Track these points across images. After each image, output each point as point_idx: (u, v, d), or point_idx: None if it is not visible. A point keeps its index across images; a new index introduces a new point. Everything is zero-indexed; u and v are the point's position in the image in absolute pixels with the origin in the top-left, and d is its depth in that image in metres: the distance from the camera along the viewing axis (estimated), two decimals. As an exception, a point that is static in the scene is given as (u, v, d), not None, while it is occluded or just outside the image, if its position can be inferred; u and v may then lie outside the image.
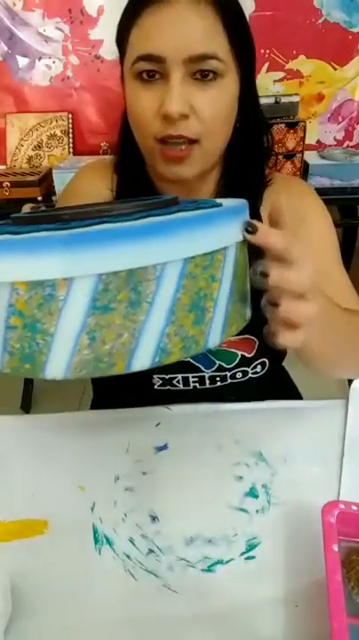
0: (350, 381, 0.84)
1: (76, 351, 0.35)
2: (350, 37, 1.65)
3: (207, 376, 0.73)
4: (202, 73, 0.56)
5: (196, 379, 0.74)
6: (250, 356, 0.73)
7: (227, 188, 0.70)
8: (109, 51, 1.65)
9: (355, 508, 0.52)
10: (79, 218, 0.38)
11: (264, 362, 0.76)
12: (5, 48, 1.67)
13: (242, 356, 0.73)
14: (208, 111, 0.57)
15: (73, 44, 1.65)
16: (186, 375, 0.73)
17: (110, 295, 0.34)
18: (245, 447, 0.70)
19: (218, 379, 0.74)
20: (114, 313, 0.35)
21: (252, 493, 0.64)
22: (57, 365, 0.36)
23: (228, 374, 0.74)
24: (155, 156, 0.61)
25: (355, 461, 0.69)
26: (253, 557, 0.56)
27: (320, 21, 1.62)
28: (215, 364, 0.73)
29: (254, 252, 0.44)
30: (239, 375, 0.75)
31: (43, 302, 0.34)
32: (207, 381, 0.74)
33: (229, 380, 0.75)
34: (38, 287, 0.34)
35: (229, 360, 0.73)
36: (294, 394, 0.90)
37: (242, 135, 0.65)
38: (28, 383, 2.01)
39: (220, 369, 0.73)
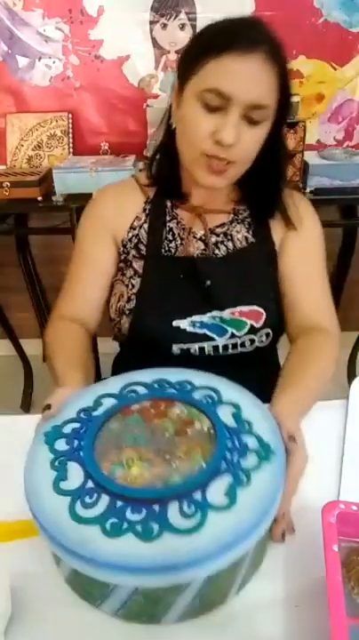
0: (350, 381, 0.83)
1: None
2: (350, 37, 1.64)
3: (221, 345, 0.84)
4: (253, 117, 0.71)
5: (211, 347, 0.84)
6: (258, 325, 0.84)
7: (246, 193, 0.87)
8: (109, 51, 1.65)
9: (354, 507, 0.52)
10: None
11: (269, 332, 0.86)
12: (5, 48, 1.67)
13: (251, 325, 0.84)
14: (249, 145, 0.74)
15: (73, 43, 1.65)
16: (202, 345, 0.84)
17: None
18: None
19: (230, 346, 0.84)
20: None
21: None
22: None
23: (239, 342, 0.84)
24: (199, 166, 0.76)
25: (355, 461, 0.69)
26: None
27: (320, 21, 1.62)
28: (227, 331, 0.83)
29: None
30: (247, 343, 0.85)
31: None
32: (221, 349, 0.84)
33: (239, 349, 0.85)
34: None
35: (240, 328, 0.83)
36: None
37: (266, 158, 0.79)
38: (28, 383, 2.01)
39: (232, 336, 0.83)
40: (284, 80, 0.72)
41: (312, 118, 1.76)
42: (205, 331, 0.83)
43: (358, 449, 0.71)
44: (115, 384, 0.66)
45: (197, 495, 0.49)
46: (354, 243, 1.95)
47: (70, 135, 1.75)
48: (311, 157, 1.62)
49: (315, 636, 0.49)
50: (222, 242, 0.87)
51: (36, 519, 0.49)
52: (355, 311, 2.12)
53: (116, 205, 0.89)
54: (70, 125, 1.74)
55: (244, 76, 0.68)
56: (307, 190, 1.59)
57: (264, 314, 0.84)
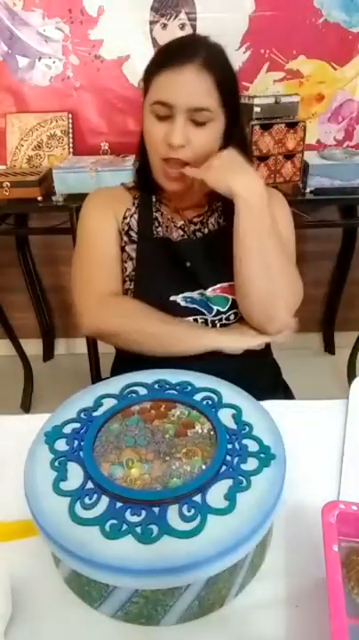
0: (350, 381, 0.83)
1: None
2: (350, 37, 1.64)
3: (209, 319, 0.91)
4: (197, 119, 0.81)
5: (203, 320, 0.91)
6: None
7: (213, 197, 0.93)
8: (109, 51, 1.65)
9: (355, 507, 0.52)
10: None
11: None
12: (5, 48, 1.67)
13: (232, 300, 0.90)
14: (199, 144, 0.83)
15: (73, 44, 1.65)
16: (195, 317, 0.91)
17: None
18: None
19: (217, 322, 0.91)
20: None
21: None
22: None
23: (224, 317, 0.91)
24: (160, 174, 0.87)
25: (355, 461, 0.69)
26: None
27: (320, 21, 1.62)
28: (213, 309, 0.90)
29: None
30: (232, 317, 0.92)
31: None
32: (209, 324, 0.91)
33: (225, 322, 0.91)
34: None
35: (223, 304, 0.90)
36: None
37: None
38: (28, 383, 2.01)
39: (218, 313, 0.91)
40: (225, 82, 0.81)
41: (312, 118, 1.76)
42: (196, 306, 0.90)
43: (358, 449, 0.71)
44: (115, 384, 0.66)
45: (197, 498, 0.49)
46: (354, 243, 1.96)
47: (70, 135, 1.75)
48: (311, 157, 1.62)
49: (315, 636, 0.49)
50: (199, 229, 0.95)
51: (36, 519, 0.49)
52: (355, 311, 2.12)
53: (110, 200, 0.97)
54: (70, 125, 1.74)
55: (180, 86, 0.79)
56: (307, 190, 1.59)
57: None
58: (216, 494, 0.50)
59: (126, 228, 0.94)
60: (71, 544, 0.46)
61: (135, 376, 0.67)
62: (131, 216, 0.94)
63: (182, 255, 0.91)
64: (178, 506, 0.49)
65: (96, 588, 0.49)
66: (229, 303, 0.90)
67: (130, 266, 0.93)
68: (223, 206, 0.94)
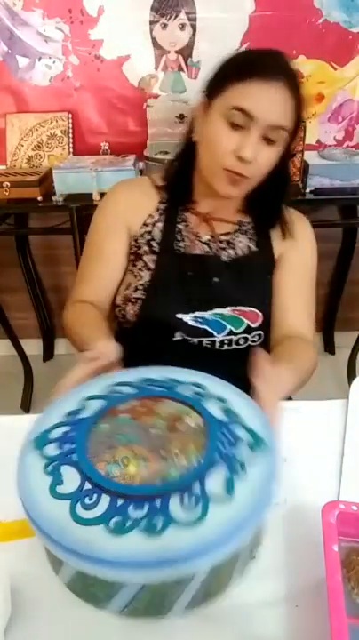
0: (350, 381, 0.83)
1: None
2: (350, 37, 1.64)
3: (218, 340, 0.90)
4: (270, 137, 0.79)
5: (209, 342, 0.90)
6: (254, 326, 0.90)
7: (250, 206, 0.94)
8: (109, 51, 1.65)
9: (355, 507, 0.52)
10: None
11: (261, 334, 0.93)
12: (5, 48, 1.66)
13: (248, 324, 0.90)
14: (264, 163, 0.81)
15: (73, 44, 1.65)
16: (200, 340, 0.89)
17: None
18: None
19: (226, 342, 0.90)
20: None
21: (252, 493, 0.64)
22: None
23: (234, 339, 0.90)
24: (218, 178, 0.83)
25: (354, 461, 0.69)
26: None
27: (320, 21, 1.62)
28: (226, 328, 0.89)
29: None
30: (241, 341, 0.91)
31: None
32: (217, 344, 0.90)
33: (234, 346, 0.91)
34: None
35: (238, 325, 0.90)
36: None
37: (274, 176, 0.86)
38: (28, 383, 2.01)
39: (229, 333, 0.89)
40: (300, 107, 0.80)
41: (312, 118, 1.75)
42: (206, 327, 0.89)
43: (358, 449, 0.71)
44: (98, 385, 0.65)
45: (196, 488, 0.50)
46: (354, 243, 1.96)
47: (70, 135, 1.75)
48: (311, 157, 1.62)
49: (314, 636, 0.49)
50: (225, 249, 0.92)
51: (36, 525, 0.49)
52: (355, 311, 2.12)
53: (131, 201, 0.95)
54: (70, 125, 1.74)
55: (267, 99, 0.76)
56: (307, 190, 1.59)
57: (261, 316, 0.91)
58: (214, 483, 0.51)
59: (148, 237, 0.92)
60: (77, 545, 0.46)
61: (119, 376, 0.67)
62: (154, 224, 0.92)
63: (208, 271, 0.90)
64: (179, 497, 0.49)
65: (103, 587, 0.49)
66: (243, 327, 0.90)
67: (146, 276, 0.91)
68: (255, 230, 0.94)
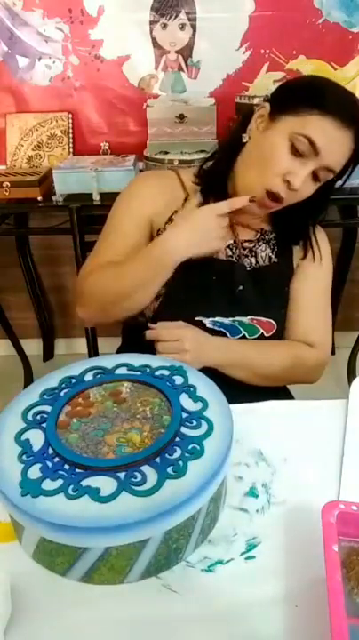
0: (350, 381, 0.83)
1: None
2: (350, 37, 1.64)
3: None
4: (319, 175, 0.82)
5: None
6: (267, 335, 0.92)
7: (275, 218, 0.95)
8: (109, 51, 1.65)
9: (355, 508, 0.52)
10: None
11: None
12: (5, 48, 1.67)
13: (261, 333, 0.92)
14: (303, 195, 0.84)
15: (73, 43, 1.65)
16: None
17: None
18: (245, 447, 0.70)
19: None
20: None
21: (252, 493, 0.64)
22: None
23: None
24: (254, 193, 0.84)
25: (355, 461, 0.69)
26: (253, 557, 0.56)
27: (320, 21, 1.62)
28: (241, 332, 0.91)
29: None
30: None
31: None
32: None
33: None
34: None
35: (252, 333, 0.91)
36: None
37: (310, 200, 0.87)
38: (28, 383, 2.01)
39: (242, 338, 0.91)
40: (351, 157, 0.82)
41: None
42: (223, 330, 0.90)
43: (358, 449, 0.71)
44: (76, 369, 0.70)
45: (155, 462, 0.54)
46: (354, 243, 1.95)
47: (70, 135, 1.75)
48: (311, 157, 1.62)
49: (314, 636, 0.49)
50: (247, 256, 0.93)
51: (3, 495, 0.52)
52: (355, 311, 2.12)
53: (160, 192, 0.93)
54: (70, 125, 1.74)
55: (336, 142, 0.79)
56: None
57: (275, 326, 0.92)
58: (170, 458, 0.55)
59: None
60: (39, 512, 0.50)
61: (96, 361, 0.71)
62: None
63: (232, 278, 0.90)
64: (135, 470, 0.53)
65: (65, 553, 0.52)
66: (257, 335, 0.91)
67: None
68: (276, 240, 0.95)
